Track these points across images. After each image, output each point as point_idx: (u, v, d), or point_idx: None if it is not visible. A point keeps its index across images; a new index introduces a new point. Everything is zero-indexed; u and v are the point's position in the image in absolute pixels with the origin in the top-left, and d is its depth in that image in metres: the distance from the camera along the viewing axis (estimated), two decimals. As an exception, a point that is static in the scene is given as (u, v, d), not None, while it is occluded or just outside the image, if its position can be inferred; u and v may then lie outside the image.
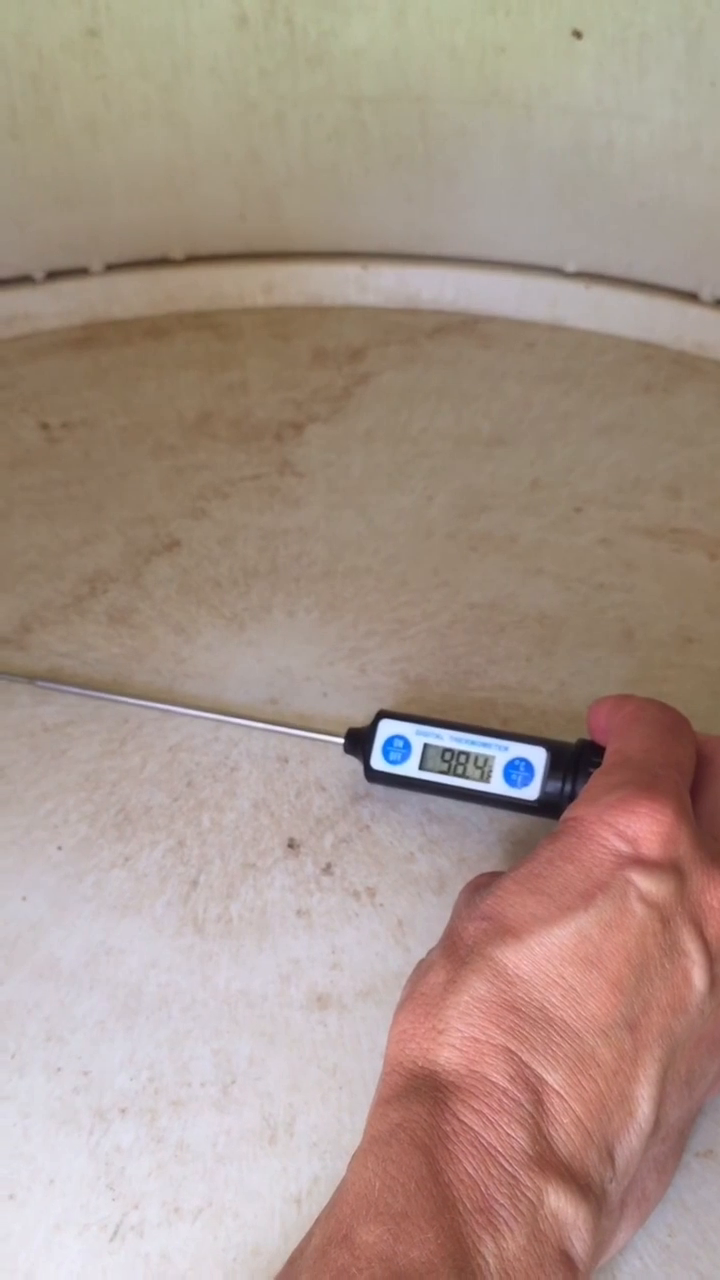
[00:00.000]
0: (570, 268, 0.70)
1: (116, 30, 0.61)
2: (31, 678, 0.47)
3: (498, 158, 0.66)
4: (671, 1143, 0.31)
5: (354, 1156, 0.28)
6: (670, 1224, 0.32)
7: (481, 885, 0.34)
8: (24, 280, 0.70)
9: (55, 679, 0.47)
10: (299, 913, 0.39)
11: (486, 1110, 0.27)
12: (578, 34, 0.61)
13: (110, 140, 0.65)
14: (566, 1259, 0.26)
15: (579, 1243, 0.27)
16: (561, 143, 0.65)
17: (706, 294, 0.68)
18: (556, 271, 0.71)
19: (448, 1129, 0.27)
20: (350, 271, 0.72)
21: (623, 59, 0.61)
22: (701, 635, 0.49)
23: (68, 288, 0.70)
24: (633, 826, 0.31)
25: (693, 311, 0.68)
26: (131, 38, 0.62)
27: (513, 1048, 0.28)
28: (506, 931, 0.30)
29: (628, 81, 0.61)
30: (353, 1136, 0.32)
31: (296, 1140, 0.33)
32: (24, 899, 0.40)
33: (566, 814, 0.33)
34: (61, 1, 0.60)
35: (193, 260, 0.72)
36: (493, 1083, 0.28)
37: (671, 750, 0.34)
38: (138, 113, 0.65)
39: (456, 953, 0.30)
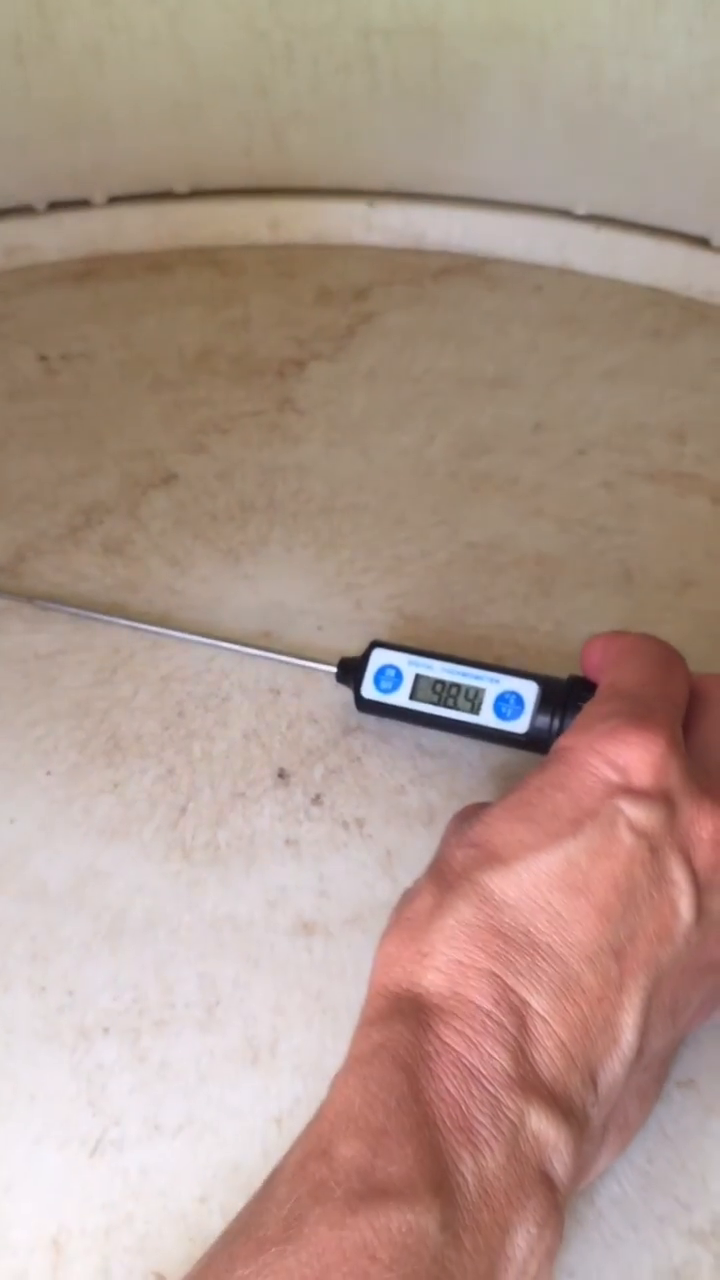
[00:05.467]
0: (580, 210, 0.69)
1: (123, -48, 0.60)
2: (30, 598, 0.47)
3: (509, 95, 0.65)
4: (654, 1071, 0.31)
5: (336, 1075, 0.28)
6: (650, 1151, 0.32)
7: (470, 814, 0.33)
8: (25, 210, 0.68)
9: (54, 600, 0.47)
10: (287, 841, 0.39)
11: (469, 1032, 0.27)
12: (594, -34, 0.59)
13: (116, 67, 0.64)
14: (546, 1179, 0.26)
15: (559, 1164, 0.26)
16: (575, 81, 0.63)
17: (718, 240, 0.67)
18: (566, 214, 0.70)
19: (430, 1049, 0.27)
20: (356, 209, 0.71)
21: (639, -6, 0.59)
22: (700, 579, 0.49)
23: (70, 219, 0.69)
24: (623, 755, 0.31)
25: (703, 257, 0.67)
26: (138, -39, 0.61)
27: (497, 971, 0.28)
28: (494, 858, 0.30)
29: (644, 18, 0.60)
30: (335, 1059, 0.32)
31: (279, 1061, 0.33)
32: (11, 821, 0.40)
33: (558, 743, 0.32)
34: None
35: (197, 194, 0.71)
36: (476, 1005, 0.28)
37: (665, 683, 0.34)
38: (144, 40, 0.63)
39: (444, 879, 0.30)
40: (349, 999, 0.35)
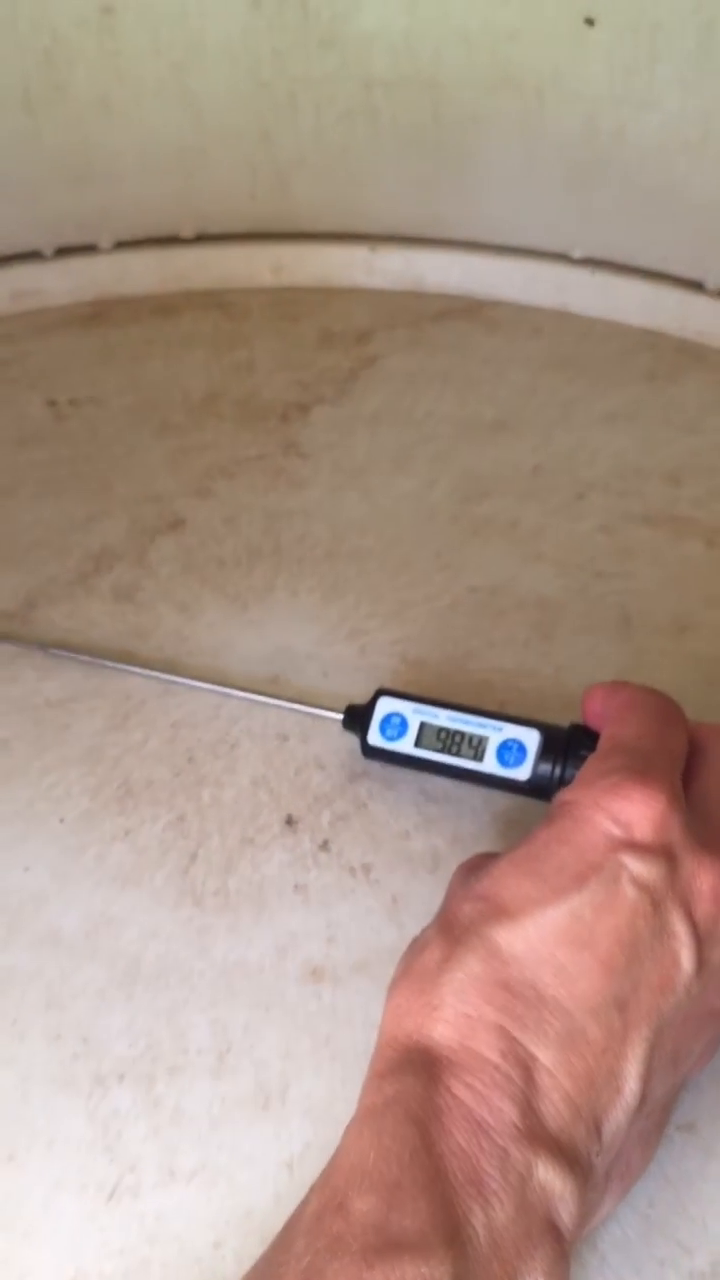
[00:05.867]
0: (577, 254, 0.71)
1: (131, 8, 0.61)
2: (42, 645, 0.48)
3: (508, 143, 0.67)
4: (656, 1118, 0.32)
5: (348, 1127, 0.29)
6: (651, 1195, 0.33)
7: (476, 866, 0.34)
8: (33, 255, 0.70)
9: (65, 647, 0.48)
10: (296, 887, 0.40)
11: (479, 1085, 0.28)
12: (590, 21, 0.61)
13: (123, 117, 0.65)
14: (553, 1229, 0.27)
15: (565, 1213, 0.27)
16: (572, 129, 0.65)
17: (711, 283, 0.68)
18: (563, 258, 0.71)
19: (441, 1103, 0.28)
20: (358, 253, 0.72)
21: (634, 47, 0.61)
22: (697, 623, 0.50)
23: (77, 264, 0.70)
24: (626, 811, 0.31)
25: (697, 300, 0.68)
26: (146, 16, 0.62)
27: (505, 1025, 0.29)
28: (501, 911, 0.31)
29: (639, 70, 0.61)
30: (344, 1105, 0.33)
31: (289, 1107, 0.34)
32: (26, 869, 0.41)
33: (562, 797, 0.33)
34: (76, -22, 0.60)
35: (202, 239, 0.72)
36: (485, 1058, 0.28)
37: (664, 737, 0.35)
38: (151, 91, 0.65)
39: (452, 931, 0.31)
40: (357, 1045, 0.36)
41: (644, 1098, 0.30)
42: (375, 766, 0.43)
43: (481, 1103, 0.28)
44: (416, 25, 0.63)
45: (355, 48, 0.64)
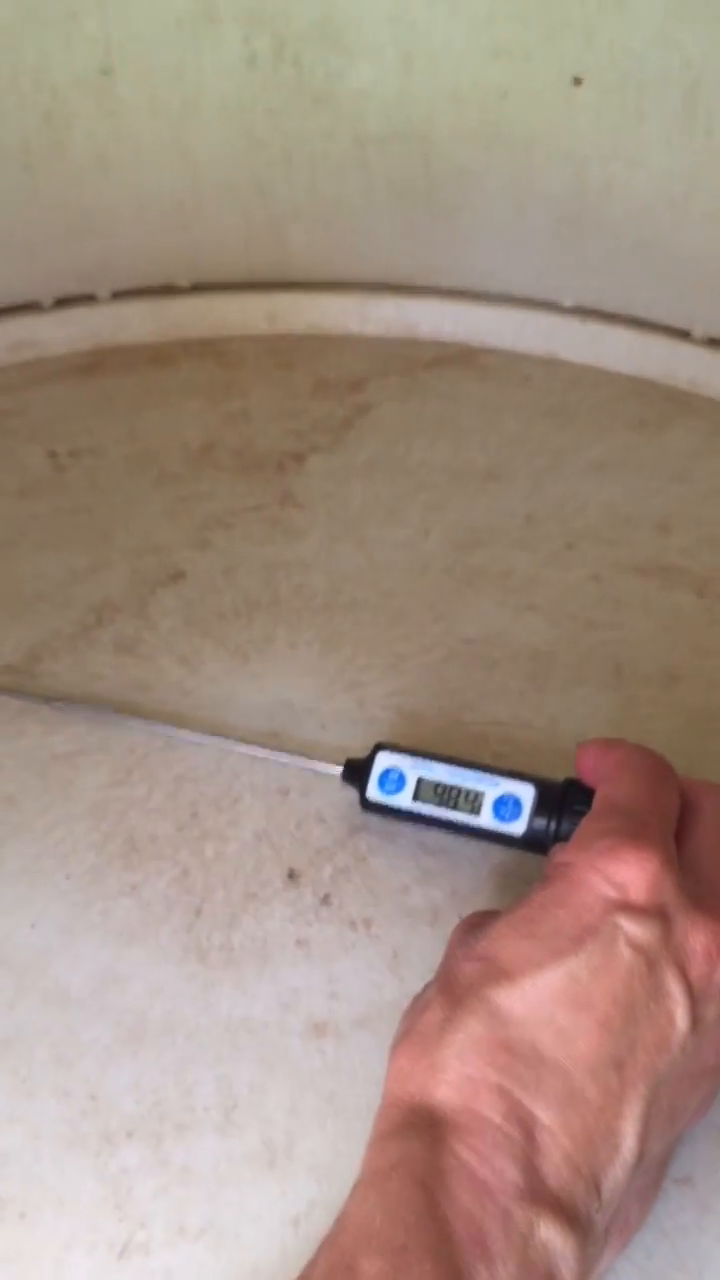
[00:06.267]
0: (567, 303, 0.72)
1: (129, 69, 0.63)
2: (47, 699, 0.49)
3: (498, 197, 0.68)
4: (653, 1173, 0.33)
5: (354, 1188, 0.29)
6: (649, 1248, 0.33)
7: (475, 925, 0.35)
8: (32, 307, 0.71)
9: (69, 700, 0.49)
10: (298, 942, 0.41)
11: (481, 1146, 0.29)
12: (577, 81, 0.62)
13: (120, 174, 0.67)
14: (554, 1287, 0.28)
15: (567, 1270, 0.28)
16: (560, 184, 0.66)
17: (699, 332, 0.70)
18: (553, 306, 0.72)
19: (445, 1165, 0.29)
20: (351, 302, 0.74)
21: (621, 107, 0.62)
22: (687, 674, 0.51)
23: (75, 314, 0.71)
24: (621, 873, 0.32)
25: (685, 349, 0.70)
26: (144, 76, 0.63)
27: (506, 1086, 0.30)
28: (501, 973, 0.32)
29: (626, 128, 0.63)
30: (349, 1162, 0.34)
31: (295, 1164, 0.35)
32: (33, 926, 0.41)
33: (558, 858, 0.34)
34: (76, 40, 0.61)
35: (199, 288, 0.73)
36: (487, 1120, 0.29)
37: (657, 797, 0.36)
38: (148, 149, 0.66)
39: (452, 992, 0.32)
40: (360, 1101, 0.36)
41: (641, 1154, 0.31)
42: (375, 819, 0.44)
43: (484, 1164, 0.29)
44: (409, 84, 0.65)
45: (348, 105, 0.66)
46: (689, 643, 0.53)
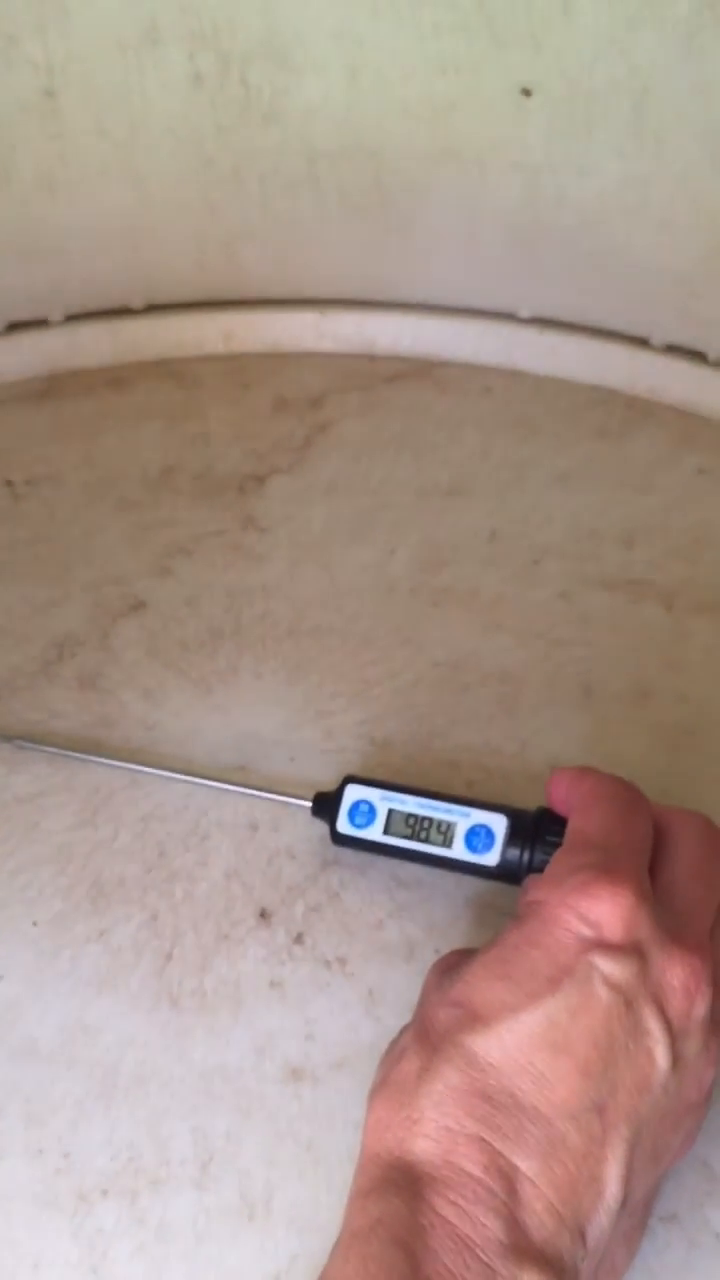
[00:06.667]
0: (524, 313, 0.72)
1: (73, 90, 0.62)
2: (9, 737, 0.48)
3: (451, 210, 0.67)
4: (639, 1215, 0.32)
5: (334, 1250, 0.29)
6: (637, 1290, 0.33)
7: (450, 966, 0.35)
8: (-17, 333, 0.70)
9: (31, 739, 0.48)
10: (272, 984, 0.40)
11: (462, 1202, 0.28)
12: (526, 92, 0.62)
13: (68, 196, 0.66)
14: (540, 1343, 0.27)
15: (552, 1325, 0.28)
16: (513, 196, 0.66)
17: (657, 339, 0.69)
18: (510, 317, 0.72)
19: (425, 1222, 0.28)
20: (308, 318, 0.73)
21: (571, 117, 0.62)
22: (657, 689, 0.51)
23: (28, 339, 0.70)
24: (594, 910, 0.32)
25: (644, 356, 0.69)
26: (88, 98, 0.62)
27: (486, 1136, 0.29)
28: (476, 1019, 0.31)
29: (576, 138, 0.62)
30: (330, 1213, 0.34)
31: (274, 1218, 0.34)
32: (0, 978, 0.40)
33: (530, 895, 0.34)
34: (18, 63, 0.60)
35: (153, 309, 0.72)
36: (467, 1173, 0.29)
37: (629, 828, 0.35)
38: (95, 170, 0.65)
39: (429, 1040, 0.31)
40: (339, 1147, 0.36)
41: (626, 1198, 0.30)
42: (346, 853, 0.44)
43: (465, 1219, 0.28)
44: (357, 98, 0.64)
45: (297, 121, 0.65)
46: (658, 658, 0.52)
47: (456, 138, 0.64)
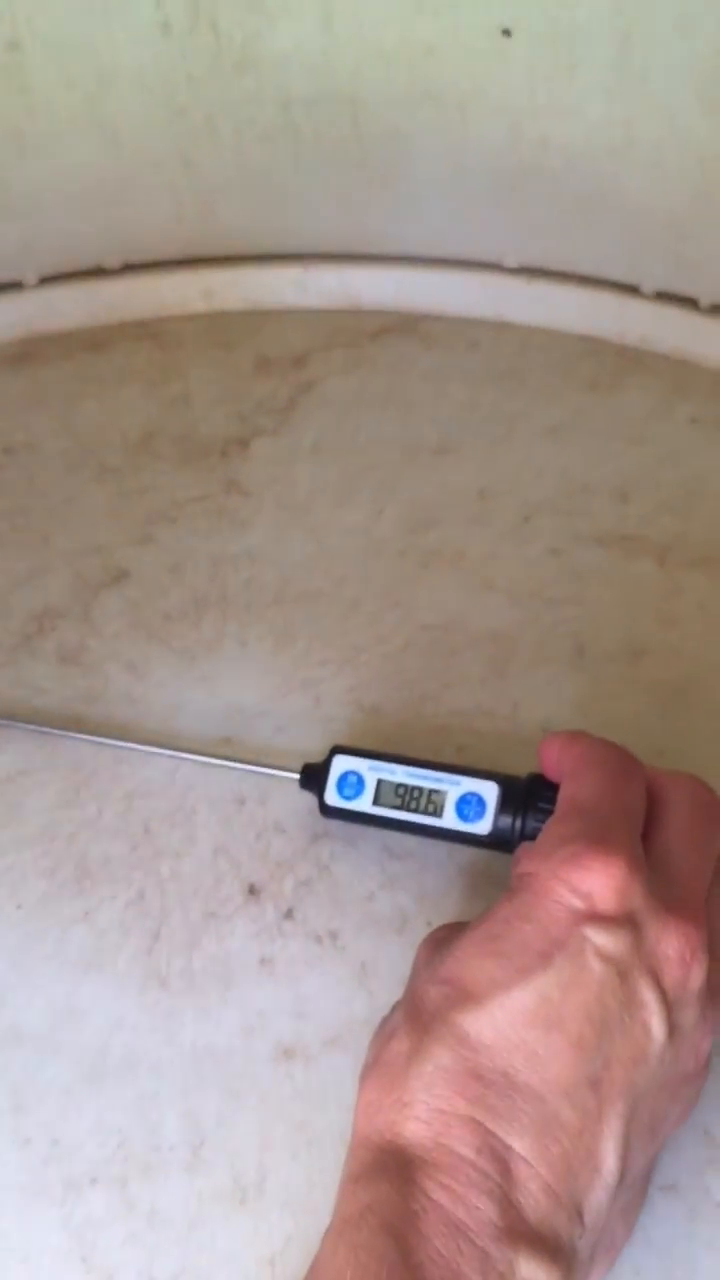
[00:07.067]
0: (511, 263, 0.70)
1: (38, 43, 0.60)
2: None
3: (433, 157, 0.65)
4: (637, 1188, 0.32)
5: (324, 1238, 0.28)
6: (636, 1262, 0.32)
7: (441, 940, 0.34)
8: (-44, 297, 0.68)
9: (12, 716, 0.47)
10: (262, 961, 0.39)
11: (454, 1185, 0.28)
12: (507, 32, 0.60)
13: (37, 153, 0.64)
14: (537, 1328, 0.27)
15: (549, 1309, 0.27)
16: (496, 140, 0.64)
17: (647, 287, 0.67)
18: (496, 267, 0.70)
19: (416, 1207, 0.27)
20: (290, 273, 0.71)
21: (553, 57, 0.60)
22: (651, 647, 0.50)
23: (1, 303, 0.69)
24: (586, 882, 0.31)
25: (635, 304, 0.68)
26: (54, 50, 0.60)
27: (478, 1117, 0.28)
28: (467, 996, 0.30)
29: (559, 79, 0.60)
30: (323, 1193, 0.33)
31: (267, 1200, 0.34)
32: (-15, 961, 0.40)
33: (521, 867, 0.33)
34: (-21, 16, 0.59)
35: (130, 268, 0.71)
36: (460, 1155, 0.28)
37: (621, 795, 0.34)
38: (64, 124, 0.63)
39: (419, 1019, 0.31)
40: (333, 1127, 0.35)
41: (624, 1173, 0.30)
42: (336, 825, 0.43)
43: (458, 1203, 0.28)
44: (332, 43, 0.62)
45: (271, 68, 0.63)
46: (652, 614, 0.51)
47: (436, 81, 0.62)
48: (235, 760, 0.44)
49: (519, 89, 0.61)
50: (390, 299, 0.71)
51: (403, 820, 0.41)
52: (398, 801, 0.41)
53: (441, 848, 0.42)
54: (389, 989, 0.38)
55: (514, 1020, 0.30)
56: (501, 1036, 0.30)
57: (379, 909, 0.41)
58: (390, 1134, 0.29)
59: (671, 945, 0.31)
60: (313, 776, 0.42)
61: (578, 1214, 0.29)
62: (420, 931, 0.39)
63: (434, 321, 0.71)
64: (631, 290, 0.68)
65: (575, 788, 0.35)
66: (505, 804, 0.39)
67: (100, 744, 0.46)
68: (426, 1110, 0.29)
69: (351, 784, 0.41)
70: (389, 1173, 0.28)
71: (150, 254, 0.71)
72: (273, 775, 0.44)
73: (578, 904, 0.31)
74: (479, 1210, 0.27)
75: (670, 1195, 0.34)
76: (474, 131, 0.64)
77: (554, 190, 0.65)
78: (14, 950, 0.40)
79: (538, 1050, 0.29)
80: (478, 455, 0.60)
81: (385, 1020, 0.33)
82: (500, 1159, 0.28)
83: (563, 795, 0.35)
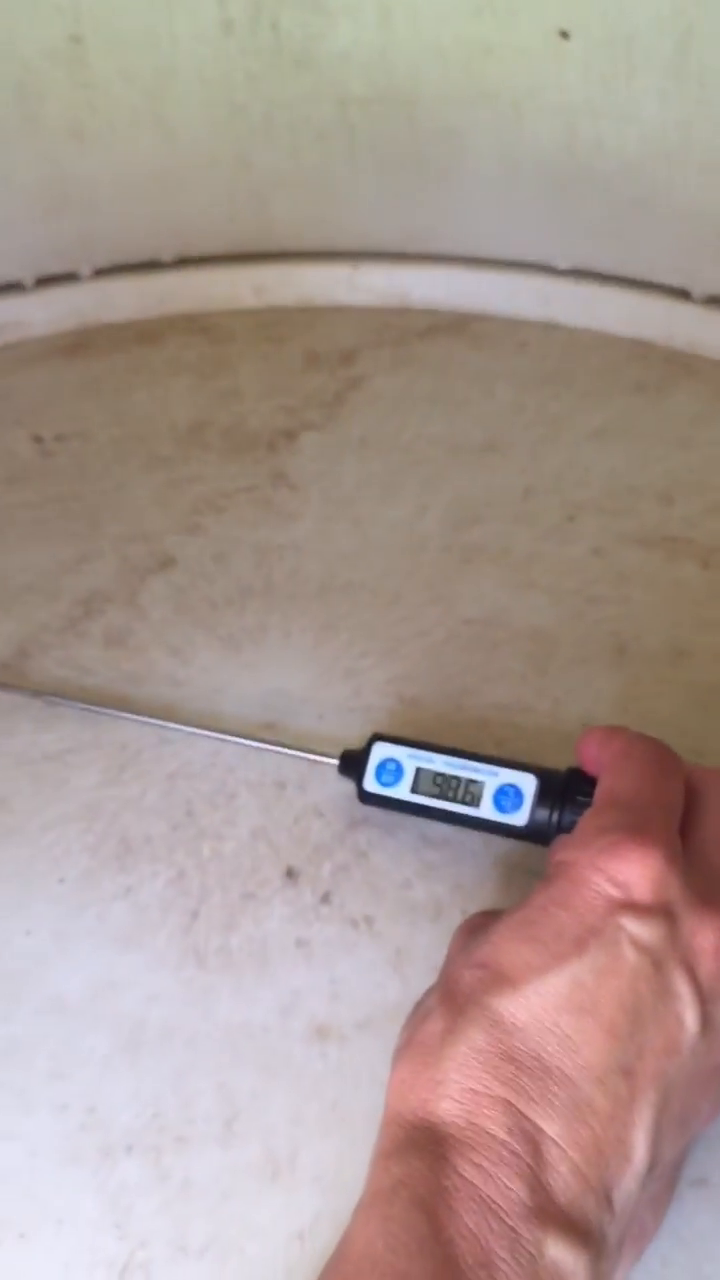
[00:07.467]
0: (561, 265, 0.70)
1: (100, 37, 0.61)
2: (38, 693, 0.48)
3: (487, 157, 0.66)
4: (667, 1179, 0.32)
5: (356, 1212, 0.28)
6: (664, 1255, 0.33)
7: (476, 927, 0.34)
8: (14, 287, 0.69)
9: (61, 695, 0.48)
10: (298, 943, 0.40)
11: (486, 1164, 0.28)
12: (564, 34, 0.60)
13: (97, 146, 0.65)
14: (565, 1307, 0.27)
15: (577, 1290, 0.27)
16: (550, 142, 0.64)
17: (698, 291, 0.67)
18: (547, 269, 0.70)
19: (448, 1184, 0.28)
20: (340, 271, 0.72)
21: (610, 59, 0.60)
22: (693, 649, 0.50)
23: (57, 293, 0.70)
24: (623, 871, 0.31)
25: (684, 309, 0.68)
26: (116, 44, 0.61)
27: (510, 1099, 0.29)
28: (503, 980, 0.30)
29: (616, 81, 0.61)
30: (354, 1170, 0.33)
31: (298, 1175, 0.34)
32: (28, 933, 0.40)
33: (558, 855, 0.33)
34: (44, 9, 0.59)
35: (183, 262, 0.71)
36: (491, 1135, 0.28)
37: (660, 789, 0.35)
38: (124, 119, 0.64)
39: (454, 1001, 0.31)
40: (364, 1106, 0.35)
41: (653, 1162, 0.30)
42: (374, 812, 0.43)
43: (489, 1182, 0.28)
44: (391, 43, 0.62)
45: (329, 67, 0.64)
46: (694, 616, 0.51)
47: (493, 81, 0.63)
48: (277, 744, 0.45)
49: (575, 90, 0.62)
50: (440, 298, 0.72)
51: (440, 809, 0.41)
52: (436, 790, 0.41)
53: (478, 838, 0.42)
54: (423, 975, 0.38)
55: (548, 1005, 0.30)
56: (535, 1020, 0.30)
57: (415, 896, 0.41)
58: (423, 1112, 0.29)
59: (707, 939, 0.31)
60: (352, 763, 0.43)
61: (607, 1199, 0.29)
62: (455, 920, 0.39)
63: (483, 321, 0.71)
64: (682, 294, 0.68)
65: (615, 780, 0.35)
66: (543, 796, 0.40)
67: (145, 724, 0.46)
68: (459, 1090, 0.29)
69: (390, 771, 0.42)
70: (421, 1149, 0.29)
71: (203, 249, 0.72)
72: (313, 761, 0.44)
73: (614, 893, 0.31)
74: (509, 1189, 0.28)
75: (700, 1190, 0.34)
76: (529, 132, 0.64)
77: (607, 192, 0.66)
78: (56, 923, 0.41)
79: (571, 1035, 0.30)
80: (523, 455, 0.61)
81: (419, 1003, 0.34)
82: (531, 1140, 0.28)
83: (602, 787, 0.35)
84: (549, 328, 0.70)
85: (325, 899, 0.41)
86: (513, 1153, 0.28)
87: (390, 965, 0.39)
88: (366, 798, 0.42)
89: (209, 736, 0.46)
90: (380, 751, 0.42)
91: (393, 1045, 0.33)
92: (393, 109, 0.65)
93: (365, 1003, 0.38)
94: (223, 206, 0.70)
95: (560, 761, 0.41)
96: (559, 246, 0.70)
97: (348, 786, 0.43)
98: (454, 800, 0.41)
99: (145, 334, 0.70)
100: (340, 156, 0.67)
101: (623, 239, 0.68)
